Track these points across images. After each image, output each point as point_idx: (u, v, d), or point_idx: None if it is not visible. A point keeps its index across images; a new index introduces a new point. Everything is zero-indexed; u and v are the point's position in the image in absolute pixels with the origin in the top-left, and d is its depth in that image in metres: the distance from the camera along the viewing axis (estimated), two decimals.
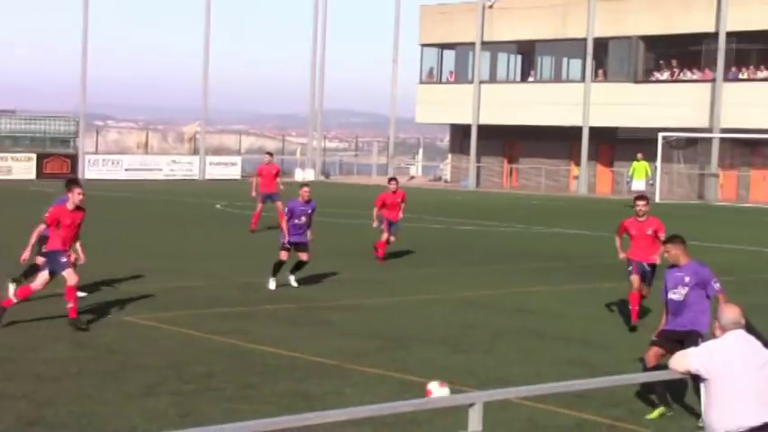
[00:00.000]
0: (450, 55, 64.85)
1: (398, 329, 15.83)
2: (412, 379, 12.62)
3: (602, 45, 56.94)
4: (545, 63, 62.71)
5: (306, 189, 19.75)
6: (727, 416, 7.18)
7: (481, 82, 61.29)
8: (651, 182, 46.08)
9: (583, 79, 57.23)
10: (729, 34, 51.66)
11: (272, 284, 18.99)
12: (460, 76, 63.61)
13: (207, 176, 60.66)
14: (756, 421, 7.12)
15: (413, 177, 71.86)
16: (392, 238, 23.71)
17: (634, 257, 16.45)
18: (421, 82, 65.14)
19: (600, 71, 58.05)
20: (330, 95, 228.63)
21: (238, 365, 13.14)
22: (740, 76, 52.56)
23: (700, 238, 16.49)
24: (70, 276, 14.62)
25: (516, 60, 64.53)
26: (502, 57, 64.33)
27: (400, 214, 23.79)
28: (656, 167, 48.31)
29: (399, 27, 66.24)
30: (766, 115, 49.46)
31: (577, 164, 57.78)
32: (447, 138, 72.35)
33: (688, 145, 53.29)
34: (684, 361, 7.51)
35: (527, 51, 62.39)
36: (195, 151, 67.37)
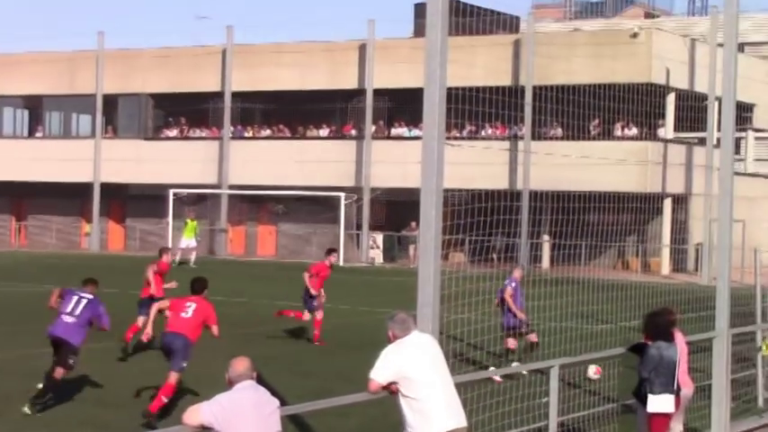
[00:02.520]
0: None
1: None
2: None
3: (111, 101, 56.92)
4: (54, 118, 61.64)
5: None
6: None
7: None
8: (199, 239, 47.21)
9: (93, 135, 56.87)
10: (235, 94, 53.57)
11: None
12: None
13: None
14: None
15: None
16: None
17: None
18: None
19: (110, 127, 58.00)
20: None
21: None
22: (245, 135, 54.60)
23: (212, 293, 17.08)
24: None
25: (23, 115, 62.91)
26: (8, 111, 62.45)
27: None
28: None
29: None
30: (270, 172, 51.66)
31: (89, 220, 57.13)
32: None
33: (198, 201, 54.41)
34: (197, 414, 7.67)
35: (34, 106, 61.05)
36: None
